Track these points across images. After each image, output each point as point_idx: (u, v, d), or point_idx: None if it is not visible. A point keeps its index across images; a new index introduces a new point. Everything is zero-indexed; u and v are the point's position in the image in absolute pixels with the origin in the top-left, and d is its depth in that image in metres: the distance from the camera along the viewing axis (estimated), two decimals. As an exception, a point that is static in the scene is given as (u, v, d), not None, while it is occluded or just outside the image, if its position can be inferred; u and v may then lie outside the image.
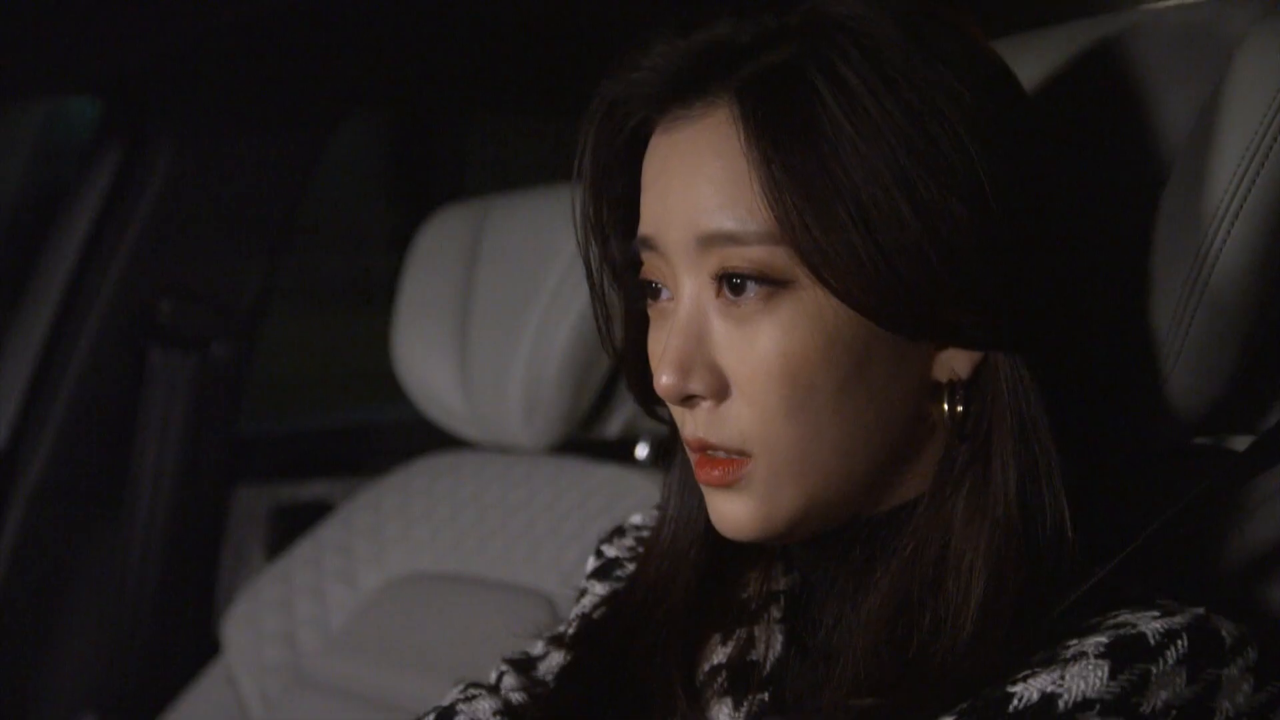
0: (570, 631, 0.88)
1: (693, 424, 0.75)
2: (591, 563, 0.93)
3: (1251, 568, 0.78)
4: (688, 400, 0.74)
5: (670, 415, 0.82)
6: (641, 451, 1.67)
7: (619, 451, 1.65)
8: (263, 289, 1.97)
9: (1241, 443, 0.83)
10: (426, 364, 1.72)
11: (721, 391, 0.73)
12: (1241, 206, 0.72)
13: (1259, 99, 0.72)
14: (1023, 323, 0.70)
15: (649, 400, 0.83)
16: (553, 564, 1.52)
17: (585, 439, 1.68)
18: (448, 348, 1.70)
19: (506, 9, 1.75)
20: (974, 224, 0.68)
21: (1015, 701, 0.65)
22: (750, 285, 0.71)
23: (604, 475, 1.58)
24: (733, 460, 0.74)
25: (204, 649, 1.81)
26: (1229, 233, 0.72)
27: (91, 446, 1.86)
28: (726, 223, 0.71)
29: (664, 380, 0.73)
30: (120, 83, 1.76)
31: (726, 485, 0.74)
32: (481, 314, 1.68)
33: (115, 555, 1.88)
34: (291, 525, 1.92)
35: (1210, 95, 0.76)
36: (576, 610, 0.90)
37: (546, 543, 1.55)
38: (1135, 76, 0.82)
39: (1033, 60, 0.88)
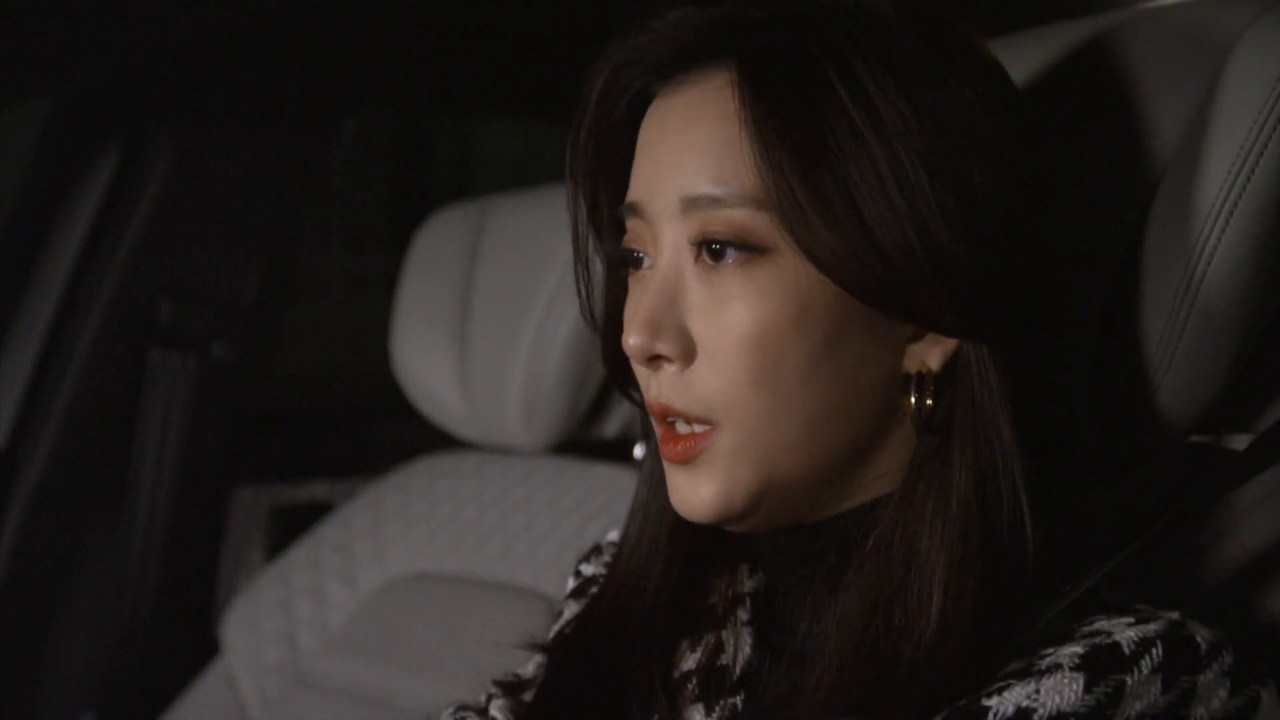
0: (548, 647, 0.88)
1: (657, 387, 0.74)
2: (570, 583, 0.93)
3: (1241, 572, 0.78)
4: (653, 361, 0.74)
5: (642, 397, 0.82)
6: (640, 451, 1.67)
7: (618, 451, 1.65)
8: (263, 289, 1.97)
9: (1237, 441, 0.83)
10: (426, 364, 1.72)
11: (688, 354, 0.73)
12: (1237, 204, 0.72)
13: (1254, 97, 0.72)
14: (998, 316, 0.70)
15: (623, 375, 0.83)
16: (551, 564, 1.52)
17: (584, 439, 1.68)
18: (447, 348, 1.70)
19: (506, 10, 1.75)
20: (960, 214, 0.68)
21: (991, 716, 0.64)
22: (730, 251, 0.71)
23: (603, 475, 1.58)
24: (695, 435, 0.73)
25: (203, 649, 1.81)
26: (1224, 230, 0.72)
27: (91, 447, 1.86)
28: (712, 187, 0.71)
29: (632, 340, 0.73)
30: (120, 83, 1.76)
31: (687, 461, 0.73)
32: (481, 315, 1.68)
33: (115, 555, 1.88)
34: (291, 526, 1.92)
35: (1206, 93, 0.76)
36: (555, 628, 0.90)
37: (545, 542, 1.55)
38: (1131, 75, 0.82)
39: (1029, 58, 0.88)
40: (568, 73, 0.78)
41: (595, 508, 1.54)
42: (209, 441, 1.93)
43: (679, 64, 0.74)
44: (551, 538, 1.55)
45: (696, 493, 0.74)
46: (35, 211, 1.84)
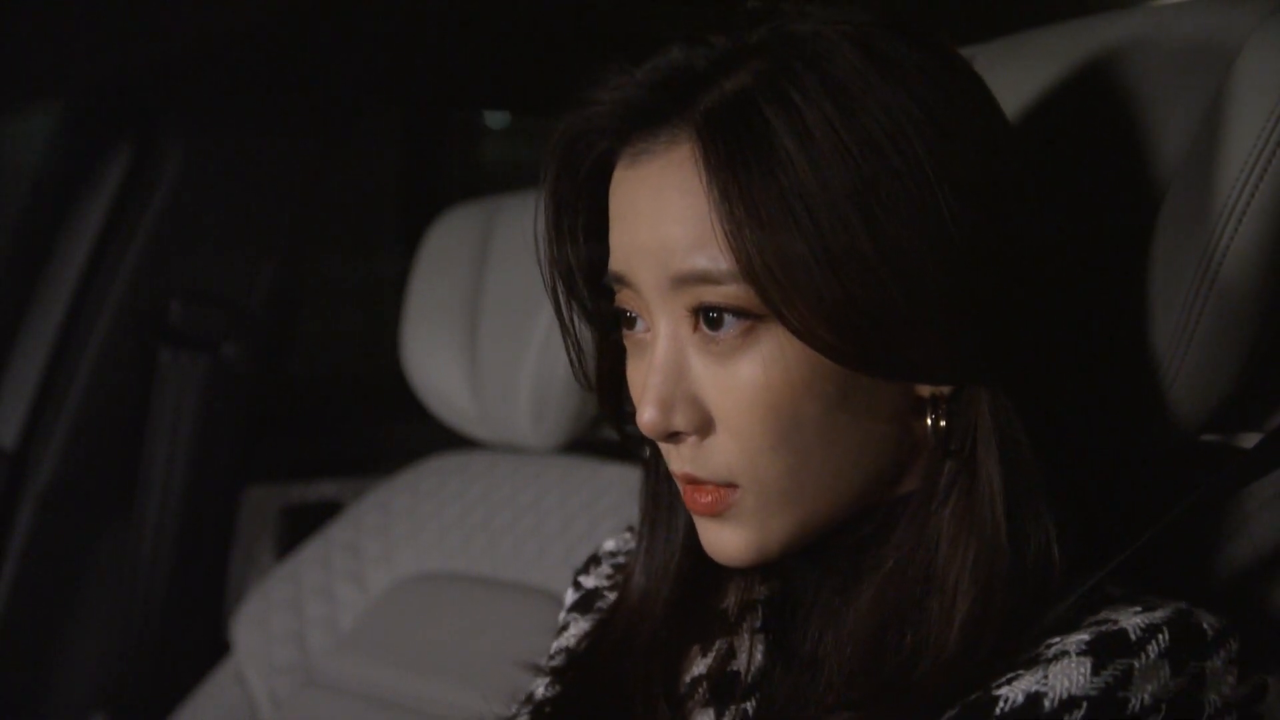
0: (555, 664, 0.87)
1: (679, 459, 0.74)
2: (570, 595, 0.93)
3: (1251, 571, 0.78)
4: (672, 436, 0.73)
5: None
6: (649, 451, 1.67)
7: (627, 451, 1.65)
8: (274, 290, 1.97)
9: (1249, 440, 0.82)
10: (436, 364, 1.72)
11: (705, 427, 0.72)
12: (1249, 204, 0.71)
13: (1264, 97, 0.71)
14: (994, 356, 0.69)
15: (623, 425, 0.82)
16: (562, 563, 1.52)
17: (594, 438, 1.68)
18: (457, 348, 1.70)
19: (515, 8, 1.75)
20: (936, 256, 0.66)
21: (1001, 704, 0.64)
22: (727, 318, 0.70)
23: (612, 474, 1.58)
24: (720, 489, 0.72)
25: (214, 649, 1.82)
26: (1236, 231, 0.72)
27: (102, 447, 1.86)
28: (699, 262, 0.69)
29: (646, 419, 0.71)
30: (130, 84, 1.76)
31: (715, 515, 0.73)
32: (491, 314, 1.68)
33: (125, 555, 1.88)
34: (301, 525, 1.93)
35: (1216, 94, 0.76)
36: (559, 644, 0.90)
37: (555, 542, 1.55)
38: (1139, 77, 0.82)
39: (1034, 60, 0.87)
40: (576, 69, 0.78)
41: (605, 507, 1.54)
42: (219, 441, 1.93)
43: (634, 127, 0.72)
44: (562, 537, 1.55)
45: (730, 543, 0.74)
46: (46, 212, 1.85)
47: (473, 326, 1.69)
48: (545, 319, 1.61)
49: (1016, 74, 0.86)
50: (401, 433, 2.11)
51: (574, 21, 1.72)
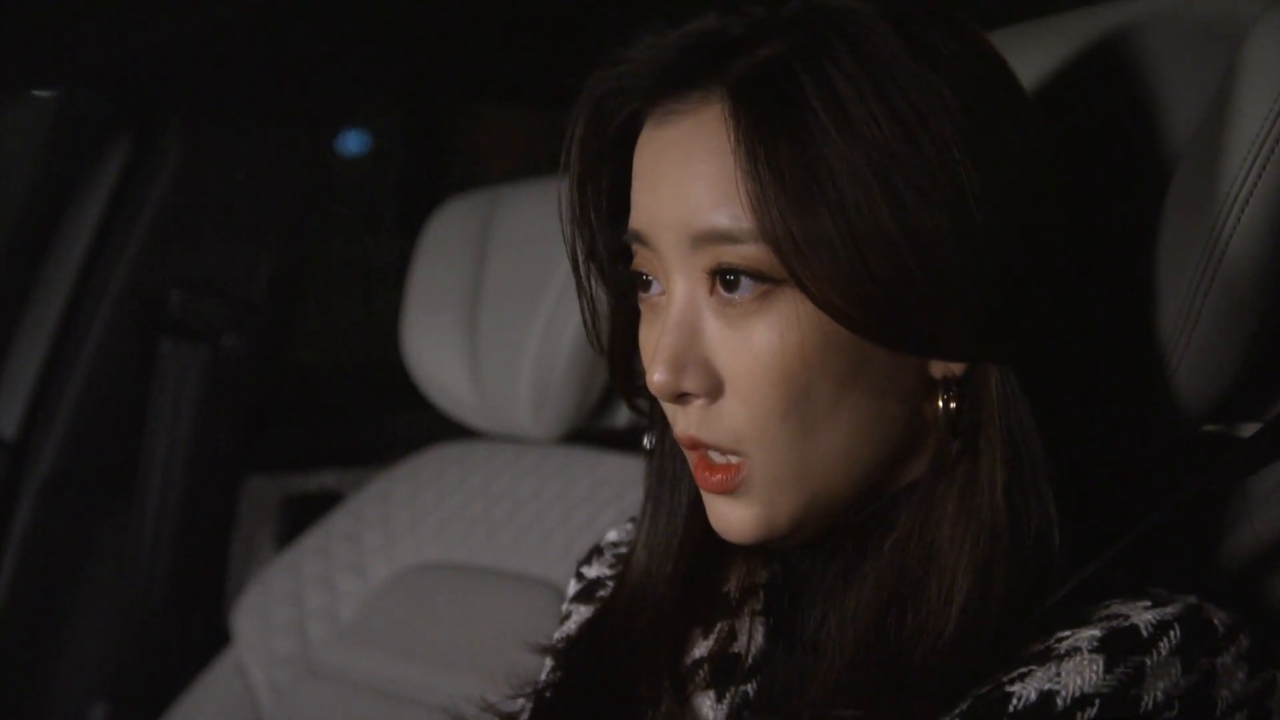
0: (558, 649, 0.87)
1: (685, 421, 0.73)
2: (573, 585, 0.93)
3: (1253, 561, 0.78)
4: (681, 398, 0.73)
5: (649, 408, 0.81)
6: (650, 441, 1.67)
7: (628, 441, 1.65)
8: (274, 282, 1.97)
9: (1251, 430, 0.82)
10: (436, 354, 1.72)
11: (715, 390, 0.72)
12: (1253, 192, 0.71)
13: (1269, 84, 0.71)
14: (1008, 336, 0.69)
15: (632, 394, 0.82)
16: (562, 554, 1.52)
17: (594, 429, 1.68)
18: (457, 338, 1.70)
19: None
20: (957, 236, 0.66)
21: (1015, 702, 0.64)
22: (745, 281, 0.70)
23: (613, 465, 1.58)
24: (730, 465, 0.72)
25: (214, 639, 1.82)
26: (1239, 217, 0.71)
27: (102, 437, 1.86)
28: (721, 220, 0.69)
29: (657, 378, 0.71)
30: (130, 74, 1.76)
31: (725, 492, 0.73)
32: (491, 304, 1.68)
33: (126, 546, 1.88)
34: (301, 515, 1.93)
35: (1220, 82, 0.75)
36: (561, 632, 0.89)
37: (556, 533, 1.55)
38: (1143, 65, 0.82)
39: (1039, 49, 0.87)
40: (580, 60, 0.78)
41: (606, 497, 1.54)
42: (219, 432, 1.93)
43: (665, 88, 0.72)
44: (562, 528, 1.55)
45: (738, 519, 0.73)
46: (47, 202, 1.84)
47: (473, 316, 1.69)
48: (546, 309, 1.61)
49: (1022, 61, 0.86)
50: (402, 423, 2.11)
51: (577, 12, 1.72)
